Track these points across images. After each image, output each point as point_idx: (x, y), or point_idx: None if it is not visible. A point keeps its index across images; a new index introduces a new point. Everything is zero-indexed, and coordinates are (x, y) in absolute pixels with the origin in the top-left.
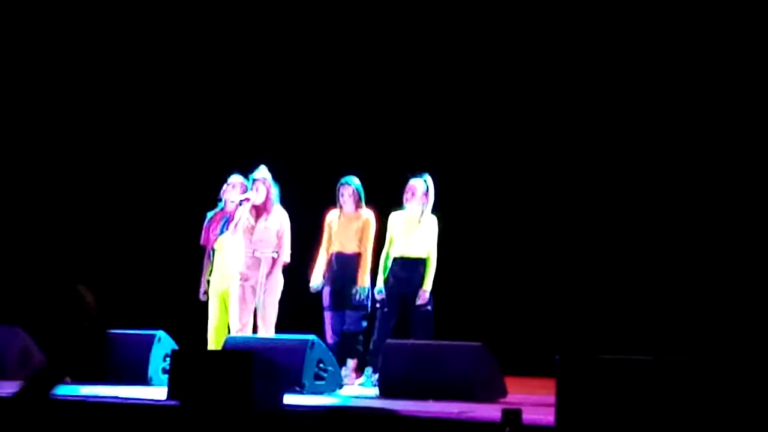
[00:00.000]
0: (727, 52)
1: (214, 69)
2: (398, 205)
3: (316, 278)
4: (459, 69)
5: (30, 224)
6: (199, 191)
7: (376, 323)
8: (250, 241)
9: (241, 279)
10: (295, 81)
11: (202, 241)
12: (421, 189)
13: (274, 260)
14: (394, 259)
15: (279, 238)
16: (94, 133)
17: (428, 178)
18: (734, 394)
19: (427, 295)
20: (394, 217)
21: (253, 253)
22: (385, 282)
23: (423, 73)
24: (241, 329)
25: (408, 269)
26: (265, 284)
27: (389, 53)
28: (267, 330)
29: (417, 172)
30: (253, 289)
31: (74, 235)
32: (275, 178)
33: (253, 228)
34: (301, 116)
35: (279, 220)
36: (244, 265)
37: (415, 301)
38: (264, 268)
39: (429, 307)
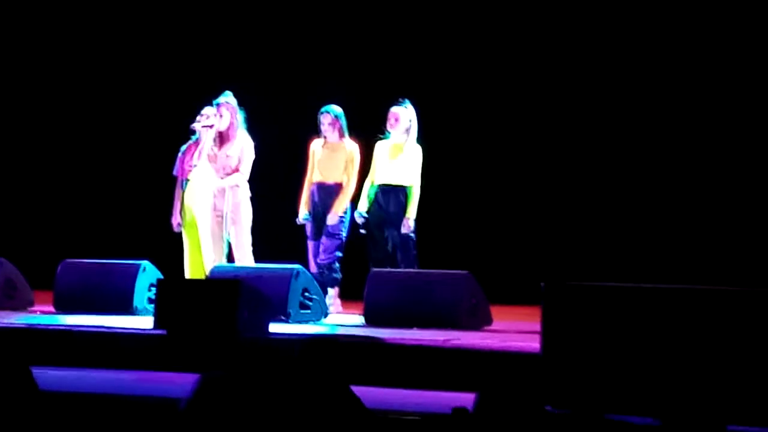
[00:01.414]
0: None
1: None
2: (383, 134)
3: (303, 210)
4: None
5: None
6: (182, 122)
7: (370, 251)
8: (215, 170)
9: (211, 209)
10: (277, 11)
11: (174, 172)
12: (404, 115)
13: (238, 188)
14: (378, 186)
15: (239, 162)
16: (78, 70)
17: (409, 105)
18: (719, 320)
19: (411, 223)
20: (379, 146)
21: (219, 183)
22: (369, 210)
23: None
24: (215, 261)
25: (387, 195)
26: (232, 214)
27: None
28: (244, 260)
29: (399, 100)
30: (220, 219)
31: (58, 171)
32: (254, 109)
33: (216, 156)
34: (283, 46)
35: (241, 145)
36: (211, 195)
37: (396, 227)
38: (229, 197)
39: (412, 235)
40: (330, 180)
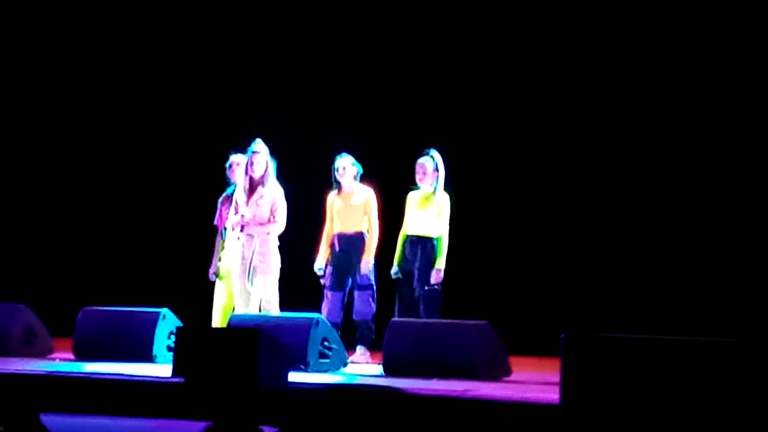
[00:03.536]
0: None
1: (217, 51)
2: (406, 182)
3: (320, 261)
4: (461, 43)
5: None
6: (202, 173)
7: (396, 304)
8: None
9: (238, 257)
10: (296, 61)
11: (215, 221)
12: (429, 166)
13: (268, 236)
14: (407, 237)
15: (273, 212)
16: (104, 114)
17: (435, 153)
18: (740, 374)
19: (441, 274)
20: (410, 197)
21: (244, 231)
22: (399, 262)
23: (425, 47)
24: (239, 310)
25: (415, 246)
26: (260, 263)
27: (389, 27)
28: (270, 309)
29: (423, 151)
30: (244, 267)
31: (79, 218)
32: (276, 157)
33: (247, 204)
34: (302, 97)
35: (272, 194)
36: (239, 244)
37: (421, 278)
38: (256, 245)
39: (437, 286)
40: (350, 230)
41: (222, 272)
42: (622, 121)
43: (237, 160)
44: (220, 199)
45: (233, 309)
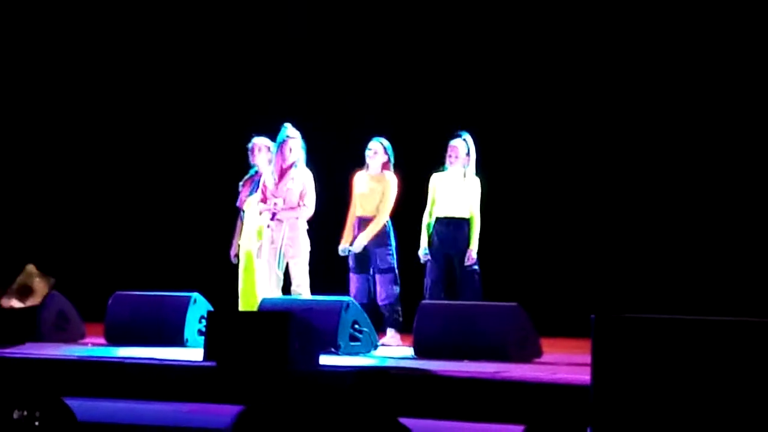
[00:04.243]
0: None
1: (242, 32)
2: (434, 166)
3: (344, 243)
4: (491, 23)
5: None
6: (231, 153)
7: (427, 285)
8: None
9: (268, 241)
10: (327, 44)
11: (237, 203)
12: (462, 149)
13: (297, 220)
14: (438, 219)
15: (302, 197)
16: (132, 100)
17: (467, 136)
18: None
19: (474, 255)
20: (436, 178)
21: (275, 216)
22: (430, 243)
23: (456, 29)
24: (269, 294)
25: (453, 228)
26: (290, 247)
27: (421, 5)
28: (301, 293)
29: (455, 133)
30: (275, 251)
31: (110, 204)
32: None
33: (276, 189)
34: (335, 78)
35: (302, 179)
36: (266, 227)
37: (460, 260)
38: (286, 230)
39: (476, 267)
40: (369, 213)
41: (242, 254)
42: (658, 103)
43: (259, 143)
44: (242, 182)
45: (255, 293)
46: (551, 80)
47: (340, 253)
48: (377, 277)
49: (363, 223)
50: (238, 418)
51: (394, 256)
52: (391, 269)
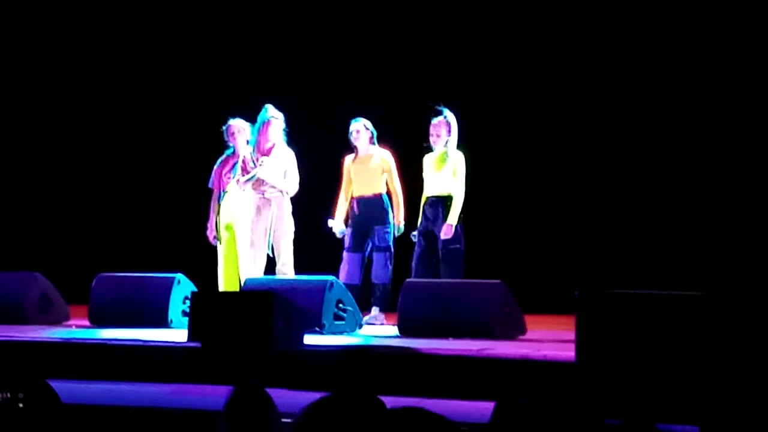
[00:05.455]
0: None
1: (222, 13)
2: (421, 142)
3: (339, 223)
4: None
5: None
6: (211, 134)
7: (413, 264)
8: (257, 183)
9: (252, 222)
10: (306, 23)
11: (210, 185)
12: (443, 127)
13: (282, 199)
14: (426, 199)
15: (285, 176)
16: (108, 81)
17: (448, 113)
18: (752, 326)
19: (452, 229)
20: (426, 159)
21: (263, 195)
22: (420, 223)
23: (439, 7)
24: (254, 274)
25: (435, 207)
26: (276, 227)
27: None
28: (286, 272)
29: (436, 111)
30: (265, 231)
31: (92, 185)
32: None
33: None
34: (314, 57)
35: (283, 158)
36: (253, 207)
37: (442, 238)
38: (274, 210)
39: (459, 245)
40: (369, 192)
41: (221, 235)
42: (638, 85)
43: (236, 125)
44: (218, 162)
45: (237, 271)
46: (536, 59)
47: (337, 233)
48: (374, 255)
49: (362, 202)
50: (233, 397)
51: (392, 234)
52: (387, 248)
